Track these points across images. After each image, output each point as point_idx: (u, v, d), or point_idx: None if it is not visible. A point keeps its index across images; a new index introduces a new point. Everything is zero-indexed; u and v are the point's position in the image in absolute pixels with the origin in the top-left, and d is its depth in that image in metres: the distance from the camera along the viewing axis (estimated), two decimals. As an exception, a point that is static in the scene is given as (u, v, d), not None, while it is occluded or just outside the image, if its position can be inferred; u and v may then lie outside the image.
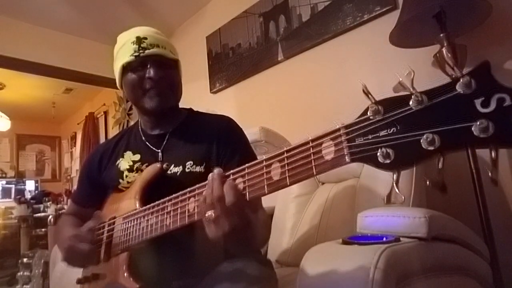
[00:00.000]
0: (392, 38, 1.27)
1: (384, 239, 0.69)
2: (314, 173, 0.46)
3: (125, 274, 0.74)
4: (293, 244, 1.24)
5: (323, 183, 1.35)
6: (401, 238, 0.70)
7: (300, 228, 1.26)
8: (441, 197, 1.14)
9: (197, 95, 2.54)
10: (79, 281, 0.88)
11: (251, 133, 1.35)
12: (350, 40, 1.67)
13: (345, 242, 0.71)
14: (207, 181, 0.59)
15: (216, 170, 0.58)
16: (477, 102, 0.34)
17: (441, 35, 1.15)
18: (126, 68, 0.87)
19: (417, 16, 1.14)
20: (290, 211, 1.33)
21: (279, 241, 1.29)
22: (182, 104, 1.00)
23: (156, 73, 0.85)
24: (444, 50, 1.15)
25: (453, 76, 0.36)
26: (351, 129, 0.43)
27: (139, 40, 0.85)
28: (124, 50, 0.87)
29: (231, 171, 0.57)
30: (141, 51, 0.85)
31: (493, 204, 1.13)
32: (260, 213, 0.77)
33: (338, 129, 0.44)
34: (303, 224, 1.26)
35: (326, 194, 1.25)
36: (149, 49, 0.85)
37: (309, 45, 1.83)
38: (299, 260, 0.69)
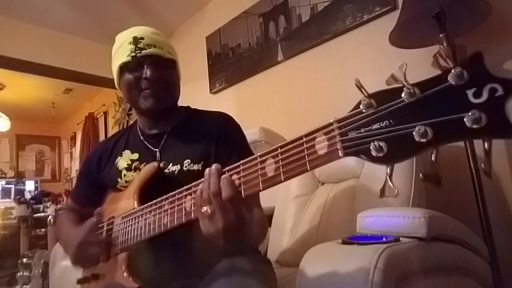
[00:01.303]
0: (391, 39, 1.27)
1: (384, 239, 0.69)
2: (308, 168, 0.46)
3: (125, 274, 0.74)
4: (293, 244, 1.24)
5: (323, 183, 1.35)
6: (400, 238, 0.70)
7: (300, 228, 1.26)
8: (441, 197, 1.14)
9: (197, 95, 2.54)
10: (79, 281, 0.88)
11: (251, 133, 1.35)
12: (350, 40, 1.67)
13: (344, 242, 0.70)
14: (204, 177, 0.59)
15: (214, 166, 0.58)
16: (469, 93, 0.34)
17: (441, 35, 1.15)
18: (123, 69, 0.87)
19: (417, 17, 1.14)
20: (290, 211, 1.33)
21: (279, 241, 1.29)
22: (182, 104, 1.00)
23: (152, 74, 0.84)
24: (441, 47, 1.15)
25: (445, 68, 0.36)
26: (343, 123, 0.43)
27: (136, 41, 0.85)
28: (121, 50, 0.87)
29: (226, 168, 0.58)
30: (137, 52, 0.84)
31: (492, 204, 1.13)
32: (256, 211, 0.78)
33: (331, 124, 0.44)
34: (303, 224, 1.26)
35: (326, 194, 1.25)
36: (145, 49, 0.85)
37: (309, 46, 1.83)
38: (299, 260, 0.69)
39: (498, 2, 1.15)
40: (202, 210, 0.56)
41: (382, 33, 1.35)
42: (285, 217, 1.33)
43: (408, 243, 0.69)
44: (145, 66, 0.85)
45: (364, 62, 1.60)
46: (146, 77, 0.84)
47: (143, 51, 0.84)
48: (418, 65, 1.35)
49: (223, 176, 0.56)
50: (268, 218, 1.15)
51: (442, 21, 1.14)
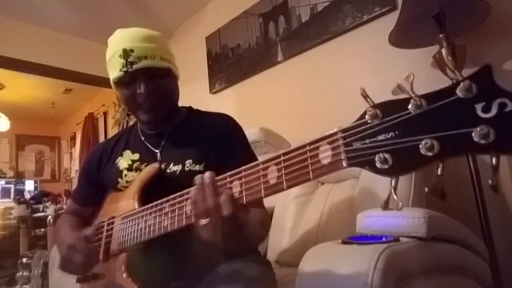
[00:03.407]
0: (391, 39, 1.27)
1: (384, 239, 0.69)
2: (311, 177, 0.46)
3: (124, 275, 0.74)
4: (292, 245, 1.24)
5: (322, 184, 1.35)
6: (400, 238, 0.70)
7: (300, 229, 1.26)
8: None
9: (196, 95, 2.54)
10: (78, 280, 0.88)
11: (250, 133, 1.35)
12: (350, 40, 1.67)
13: (344, 242, 0.70)
14: (197, 186, 0.57)
15: (207, 175, 0.57)
16: (478, 107, 0.33)
17: (441, 35, 1.15)
18: (117, 83, 0.86)
19: (416, 17, 1.14)
20: (290, 212, 1.32)
21: (279, 241, 1.29)
22: (182, 104, 1.00)
23: (146, 88, 0.82)
24: (443, 51, 1.15)
25: (454, 80, 0.35)
26: (348, 133, 0.42)
27: (126, 54, 0.81)
28: (112, 63, 0.84)
29: (228, 174, 0.57)
30: (128, 67, 0.81)
31: (492, 204, 1.13)
32: (257, 212, 0.77)
33: (335, 133, 0.44)
34: (302, 224, 1.26)
35: (325, 195, 1.25)
36: (136, 63, 0.81)
37: (309, 46, 1.83)
38: (299, 260, 0.69)
39: (498, 2, 1.15)
40: (201, 223, 0.55)
41: (381, 33, 1.35)
42: (285, 217, 1.33)
43: (408, 243, 0.69)
44: (139, 80, 0.83)
45: (364, 62, 1.59)
46: (140, 92, 0.83)
47: (134, 66, 0.81)
48: (418, 65, 1.35)
49: (224, 191, 0.54)
50: (268, 218, 1.15)
51: (442, 21, 1.14)
